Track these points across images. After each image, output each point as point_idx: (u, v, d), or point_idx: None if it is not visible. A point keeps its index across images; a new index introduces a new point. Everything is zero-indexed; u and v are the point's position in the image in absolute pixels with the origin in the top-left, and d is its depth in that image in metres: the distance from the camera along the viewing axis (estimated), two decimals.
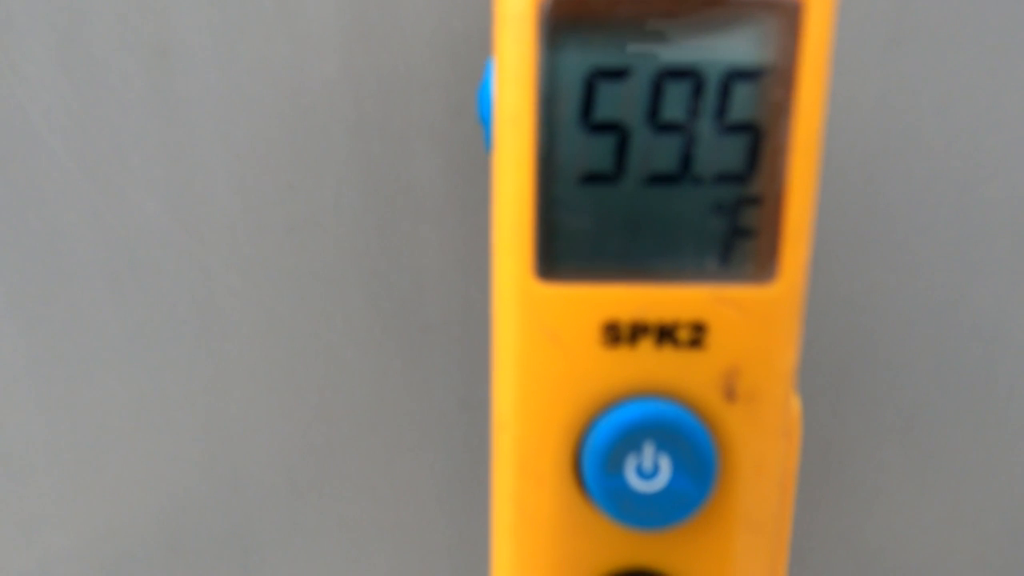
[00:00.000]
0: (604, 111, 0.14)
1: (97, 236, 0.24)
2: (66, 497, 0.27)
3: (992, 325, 0.25)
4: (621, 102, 0.14)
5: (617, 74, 0.14)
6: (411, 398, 0.26)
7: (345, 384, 0.26)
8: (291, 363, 0.25)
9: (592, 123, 0.14)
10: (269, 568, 0.28)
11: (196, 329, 0.25)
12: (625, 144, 0.14)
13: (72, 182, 0.24)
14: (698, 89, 0.14)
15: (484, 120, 0.16)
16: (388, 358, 0.25)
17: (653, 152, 0.14)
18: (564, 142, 0.14)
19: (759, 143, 0.14)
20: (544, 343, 0.14)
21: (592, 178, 0.14)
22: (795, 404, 0.15)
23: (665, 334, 0.14)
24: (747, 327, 0.14)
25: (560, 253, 0.14)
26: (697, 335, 0.14)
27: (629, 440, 0.14)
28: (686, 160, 0.14)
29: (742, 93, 0.14)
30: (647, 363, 0.14)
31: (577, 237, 0.14)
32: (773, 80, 0.14)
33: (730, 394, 0.14)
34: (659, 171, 0.14)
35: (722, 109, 0.14)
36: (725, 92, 0.14)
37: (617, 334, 0.14)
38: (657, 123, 0.14)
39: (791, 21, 0.13)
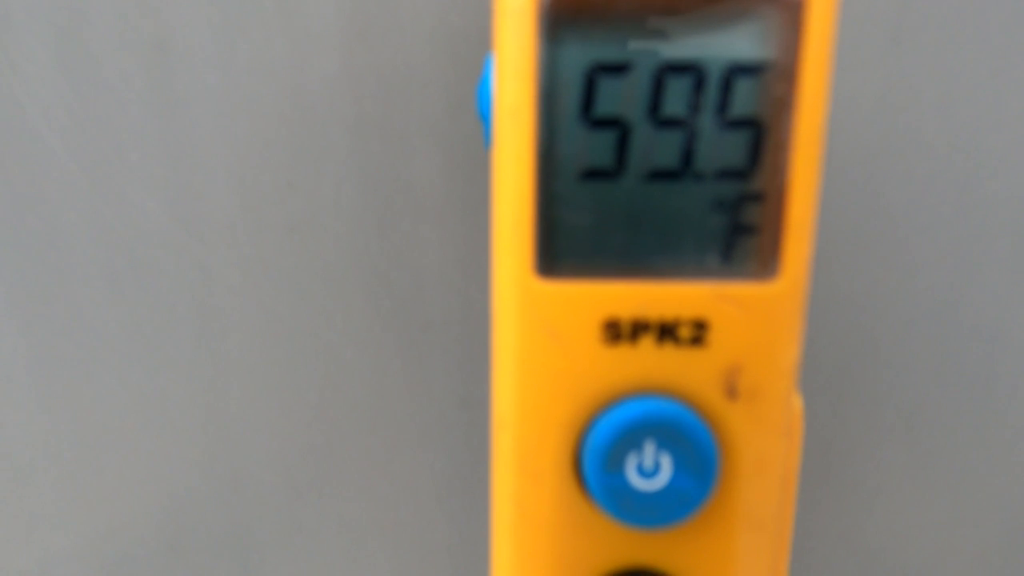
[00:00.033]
0: (605, 106, 0.14)
1: (96, 234, 0.24)
2: (65, 497, 0.27)
3: (993, 324, 0.25)
4: (622, 97, 0.14)
5: (618, 69, 0.14)
6: (411, 397, 0.26)
7: (345, 383, 0.25)
8: (291, 362, 0.25)
9: (593, 119, 0.14)
10: (269, 568, 0.28)
11: (195, 328, 0.25)
12: (626, 140, 0.14)
13: (71, 180, 0.23)
14: (700, 84, 0.14)
15: (484, 117, 0.16)
16: (388, 357, 0.25)
17: (654, 148, 0.14)
18: (564, 138, 0.14)
19: (761, 139, 0.14)
20: (544, 341, 0.14)
21: (592, 174, 0.14)
22: (797, 402, 0.15)
23: (666, 332, 0.14)
24: (749, 325, 0.14)
25: (560, 250, 0.14)
26: (698, 333, 0.14)
27: (630, 438, 0.14)
28: (687, 156, 0.14)
29: (744, 88, 0.14)
30: (648, 361, 0.14)
31: (577, 234, 0.14)
32: (775, 75, 0.14)
33: (732, 392, 0.14)
34: (660, 167, 0.14)
35: (724, 104, 0.14)
36: (727, 87, 0.14)
37: (618, 332, 0.14)
38: (658, 118, 0.14)
39: (794, 16, 0.13)
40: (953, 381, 0.25)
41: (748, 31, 0.14)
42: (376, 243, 0.24)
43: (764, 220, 0.14)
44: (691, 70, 0.14)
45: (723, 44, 0.14)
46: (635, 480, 0.14)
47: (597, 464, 0.14)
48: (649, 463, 0.14)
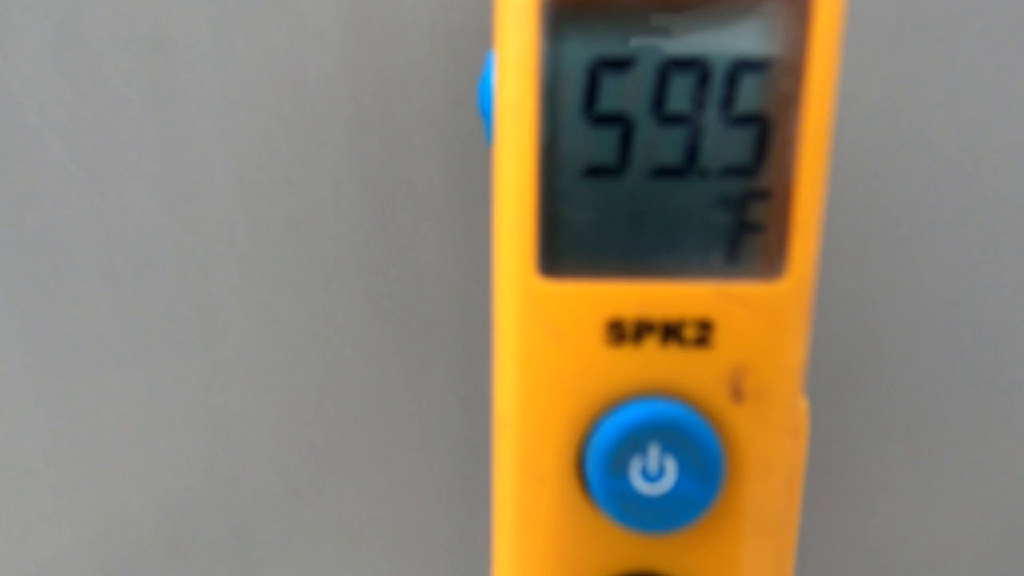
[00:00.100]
0: (608, 102, 0.14)
1: (94, 232, 0.24)
2: (65, 497, 0.26)
3: (997, 322, 0.25)
4: (625, 93, 0.13)
5: (621, 64, 0.13)
6: (411, 396, 0.26)
7: (345, 382, 0.25)
8: (290, 361, 0.25)
9: (595, 115, 0.14)
10: (269, 568, 0.27)
11: (194, 326, 0.25)
12: (629, 136, 0.14)
13: (69, 178, 0.23)
14: (704, 80, 0.13)
15: (485, 113, 0.16)
16: (388, 356, 0.25)
17: (658, 145, 0.14)
18: (567, 135, 0.14)
19: (767, 135, 0.14)
20: (546, 341, 0.14)
21: (595, 171, 0.14)
22: (802, 404, 0.15)
23: (671, 332, 0.14)
24: (755, 325, 0.14)
25: (563, 249, 0.14)
26: (703, 333, 0.14)
27: (634, 441, 0.14)
28: (692, 153, 0.14)
29: (749, 84, 0.13)
30: (652, 362, 0.14)
31: (580, 232, 0.14)
32: (781, 70, 0.13)
33: (737, 394, 0.14)
34: (664, 164, 0.14)
35: (729, 100, 0.14)
36: (732, 83, 0.13)
37: (621, 332, 0.14)
38: (662, 115, 0.14)
39: (801, 10, 0.13)
40: (956, 380, 0.25)
41: (754, 26, 0.13)
42: (376, 241, 0.24)
43: (770, 218, 0.14)
44: (695, 65, 0.13)
45: (728, 39, 0.13)
46: (639, 484, 0.14)
47: (600, 468, 0.14)
48: (653, 466, 0.14)
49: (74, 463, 0.26)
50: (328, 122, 0.23)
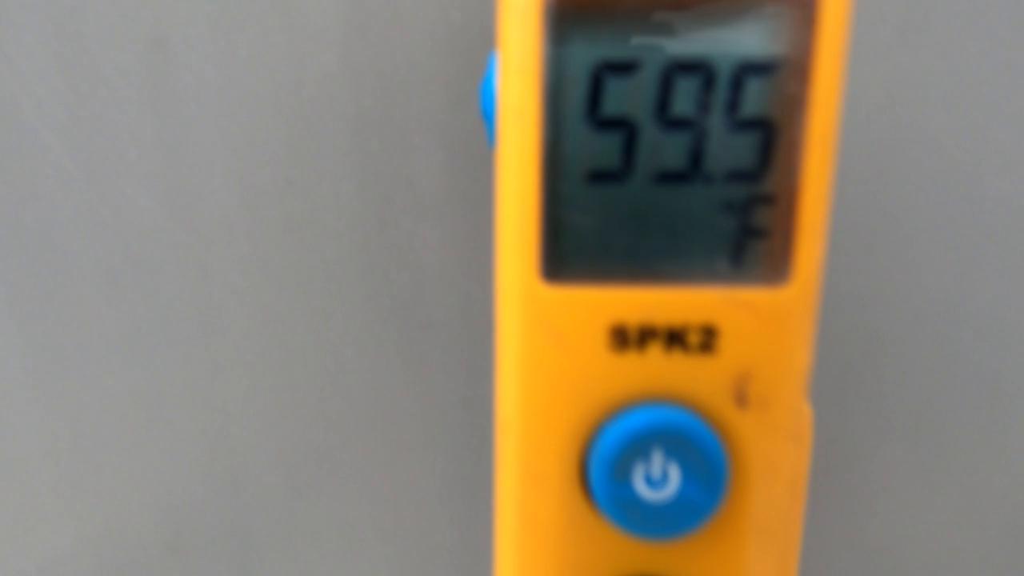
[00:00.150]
0: (612, 106, 0.13)
1: (93, 232, 0.24)
2: (64, 497, 0.26)
3: (1001, 323, 0.25)
4: (629, 97, 0.13)
5: (625, 68, 0.13)
6: (412, 397, 0.25)
7: (345, 383, 0.25)
8: (290, 362, 0.25)
9: (599, 119, 0.13)
10: (269, 568, 0.27)
11: (194, 327, 0.25)
12: (633, 141, 0.14)
13: (67, 177, 0.23)
14: (709, 83, 0.13)
15: (487, 116, 0.16)
16: (388, 357, 0.25)
17: (662, 149, 0.14)
18: (570, 139, 0.13)
19: (772, 139, 0.13)
20: (549, 347, 0.14)
21: (599, 176, 0.14)
22: (806, 409, 0.15)
23: (674, 338, 0.14)
24: (759, 331, 0.14)
25: (566, 254, 0.14)
26: (708, 339, 0.14)
27: (637, 447, 0.14)
28: (696, 157, 0.14)
29: (755, 87, 0.13)
30: (656, 368, 0.14)
31: (583, 238, 0.14)
32: (787, 74, 0.13)
33: (741, 400, 0.14)
34: (668, 169, 0.14)
35: (734, 104, 0.13)
36: (737, 86, 0.13)
37: (625, 338, 0.14)
38: (666, 119, 0.13)
39: (806, 12, 0.13)
40: (958, 381, 0.25)
41: (759, 28, 0.13)
42: (376, 241, 0.24)
43: (775, 223, 0.14)
44: (700, 69, 0.13)
45: (733, 42, 0.13)
46: (643, 490, 0.14)
47: (603, 474, 0.14)
48: (657, 473, 0.14)
49: (74, 463, 0.26)
50: (328, 122, 0.23)
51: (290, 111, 0.23)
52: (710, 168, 0.14)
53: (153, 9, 0.22)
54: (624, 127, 0.14)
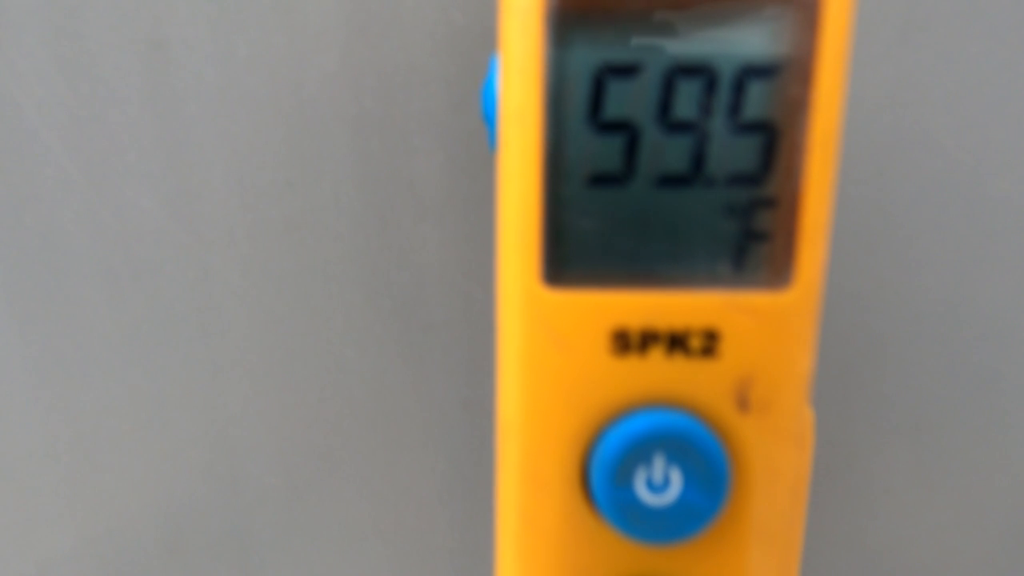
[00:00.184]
0: (613, 109, 0.13)
1: (93, 233, 0.24)
2: (65, 497, 0.26)
3: (1002, 324, 0.25)
4: (631, 100, 0.13)
5: (627, 70, 0.13)
6: (412, 398, 0.25)
7: (345, 384, 0.25)
8: (291, 362, 0.25)
9: (601, 122, 0.13)
10: (269, 568, 0.27)
11: (194, 328, 0.25)
12: (635, 144, 0.14)
13: (67, 178, 0.23)
14: (711, 86, 0.13)
15: (488, 119, 0.16)
16: (389, 358, 0.25)
17: (664, 152, 0.14)
18: (572, 142, 0.13)
19: (774, 143, 0.13)
20: (551, 351, 0.14)
21: (600, 179, 0.14)
22: (808, 413, 0.15)
23: (676, 342, 0.14)
24: (761, 335, 0.14)
25: (567, 258, 0.14)
26: (709, 343, 0.14)
27: (639, 452, 0.14)
28: (698, 160, 0.14)
29: (757, 90, 0.13)
30: (657, 372, 0.14)
31: (585, 241, 0.14)
32: (789, 76, 0.13)
33: (743, 404, 0.14)
34: (670, 172, 0.14)
35: (736, 107, 0.13)
36: (739, 89, 0.13)
37: (626, 342, 0.14)
38: (668, 122, 0.13)
39: (809, 14, 0.13)
40: (960, 382, 0.25)
41: (761, 30, 0.13)
42: (377, 242, 0.24)
43: (777, 227, 0.14)
44: (702, 71, 0.13)
45: (735, 44, 0.13)
46: (644, 495, 0.14)
47: (605, 478, 0.14)
48: (659, 477, 0.14)
49: (74, 463, 0.26)
50: (329, 123, 0.23)
51: (290, 112, 0.23)
52: (712, 171, 0.14)
53: (153, 10, 0.22)
54: (626, 130, 0.13)
